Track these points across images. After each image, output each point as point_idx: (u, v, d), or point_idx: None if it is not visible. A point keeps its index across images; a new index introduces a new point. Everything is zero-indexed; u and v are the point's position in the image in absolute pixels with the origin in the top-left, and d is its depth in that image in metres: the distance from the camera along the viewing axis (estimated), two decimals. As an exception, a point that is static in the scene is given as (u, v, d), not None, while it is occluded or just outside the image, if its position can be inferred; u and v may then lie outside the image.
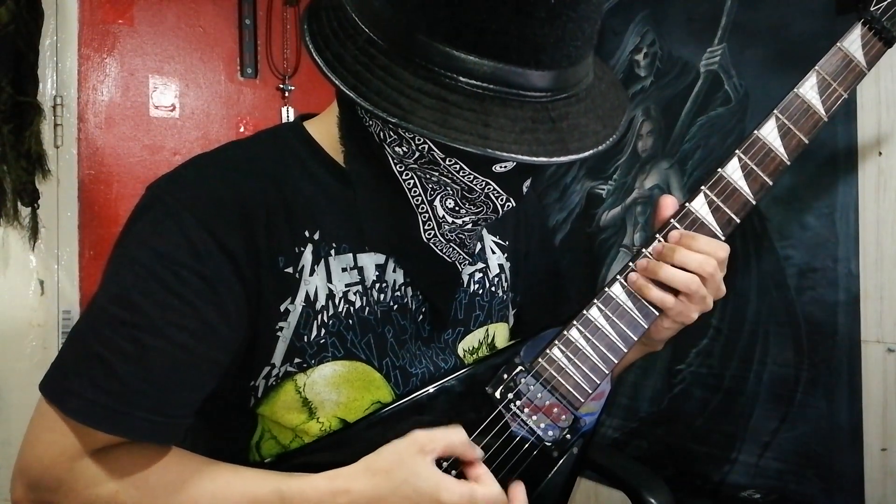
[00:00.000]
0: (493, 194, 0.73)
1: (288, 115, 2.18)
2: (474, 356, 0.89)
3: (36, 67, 1.76)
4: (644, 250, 0.83)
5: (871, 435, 1.15)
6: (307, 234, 0.77)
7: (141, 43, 2.01)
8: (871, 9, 0.86)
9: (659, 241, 0.82)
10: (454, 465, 0.77)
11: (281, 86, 2.18)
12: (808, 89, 0.84)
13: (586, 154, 0.66)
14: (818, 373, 1.23)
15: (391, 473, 0.71)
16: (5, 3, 1.65)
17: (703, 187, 0.83)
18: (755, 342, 1.33)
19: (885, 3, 0.86)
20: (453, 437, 0.74)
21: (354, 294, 0.79)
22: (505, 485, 0.78)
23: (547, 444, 0.81)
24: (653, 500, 1.07)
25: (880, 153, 1.15)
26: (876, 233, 1.15)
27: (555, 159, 0.64)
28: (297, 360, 0.76)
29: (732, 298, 1.35)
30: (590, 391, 0.81)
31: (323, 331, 0.77)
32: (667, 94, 1.52)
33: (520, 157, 0.62)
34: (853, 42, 0.86)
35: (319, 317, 0.77)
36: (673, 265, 0.79)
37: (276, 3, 2.17)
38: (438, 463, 0.74)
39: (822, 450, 1.21)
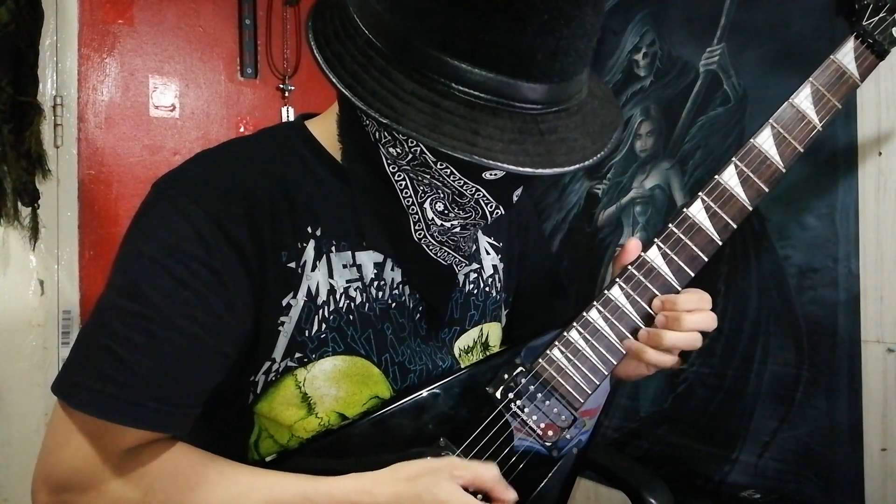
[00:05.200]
0: (483, 201, 0.74)
1: (288, 114, 2.17)
2: (469, 355, 0.90)
3: (36, 67, 1.75)
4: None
5: (871, 435, 1.15)
6: (309, 230, 0.77)
7: (141, 43, 2.01)
8: (864, 23, 0.88)
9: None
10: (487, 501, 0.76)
11: (281, 86, 2.18)
12: (803, 99, 0.86)
13: (572, 168, 0.66)
14: (818, 373, 1.23)
15: (416, 480, 0.71)
16: (5, 3, 1.65)
17: (700, 193, 0.85)
18: (756, 342, 1.33)
19: (878, 17, 0.88)
20: (485, 472, 0.74)
21: (355, 290, 0.79)
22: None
23: (546, 444, 0.81)
24: (653, 500, 1.07)
25: (880, 153, 1.15)
26: (876, 233, 1.15)
27: (539, 171, 0.64)
28: (297, 355, 0.76)
29: (734, 298, 1.35)
30: (589, 392, 0.81)
31: (324, 326, 0.77)
32: (667, 94, 1.52)
33: (505, 166, 0.63)
34: (846, 54, 0.88)
35: (321, 312, 0.77)
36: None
37: (276, 3, 2.17)
38: (468, 489, 0.74)
39: (822, 450, 1.21)
